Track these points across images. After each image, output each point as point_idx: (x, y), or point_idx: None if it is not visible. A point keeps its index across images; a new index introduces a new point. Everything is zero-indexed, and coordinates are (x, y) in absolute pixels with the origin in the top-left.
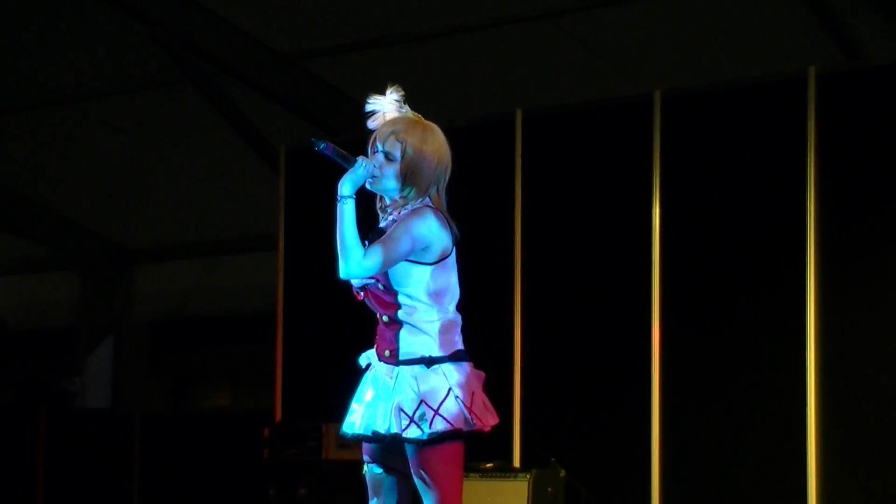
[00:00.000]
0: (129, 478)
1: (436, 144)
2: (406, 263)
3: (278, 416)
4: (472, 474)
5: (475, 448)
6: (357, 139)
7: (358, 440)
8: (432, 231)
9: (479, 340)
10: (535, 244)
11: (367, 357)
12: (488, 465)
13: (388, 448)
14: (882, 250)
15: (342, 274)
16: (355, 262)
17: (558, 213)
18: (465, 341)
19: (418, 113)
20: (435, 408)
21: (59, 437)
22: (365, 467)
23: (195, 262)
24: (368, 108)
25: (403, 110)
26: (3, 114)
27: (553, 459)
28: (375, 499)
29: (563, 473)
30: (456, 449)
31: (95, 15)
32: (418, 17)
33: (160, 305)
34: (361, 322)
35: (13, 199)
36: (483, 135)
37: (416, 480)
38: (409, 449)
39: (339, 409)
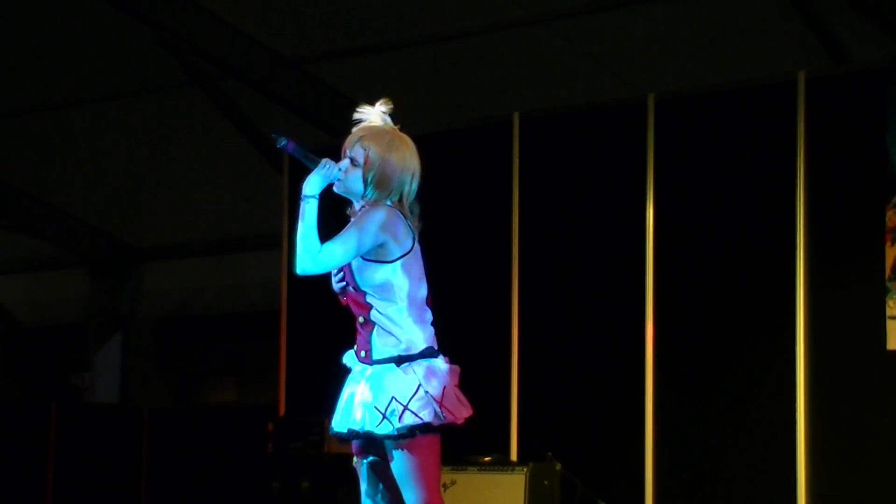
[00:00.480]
0: (136, 470)
1: (401, 153)
2: (369, 264)
3: (282, 410)
4: (470, 468)
5: (473, 442)
6: None
7: (341, 438)
8: (385, 226)
9: (477, 338)
10: (531, 243)
11: (348, 357)
12: (486, 458)
13: (371, 442)
14: (869, 249)
15: (297, 269)
16: (309, 257)
17: (554, 213)
18: (463, 339)
19: (399, 124)
20: (404, 403)
21: (69, 430)
22: (354, 460)
23: (201, 261)
24: (356, 116)
25: (385, 121)
26: (14, 116)
27: (549, 453)
28: (366, 488)
29: (559, 467)
30: (430, 442)
31: (103, 19)
32: (419, 21)
33: (167, 303)
34: None
35: (25, 200)
36: (481, 137)
37: (395, 474)
38: (385, 444)
39: None
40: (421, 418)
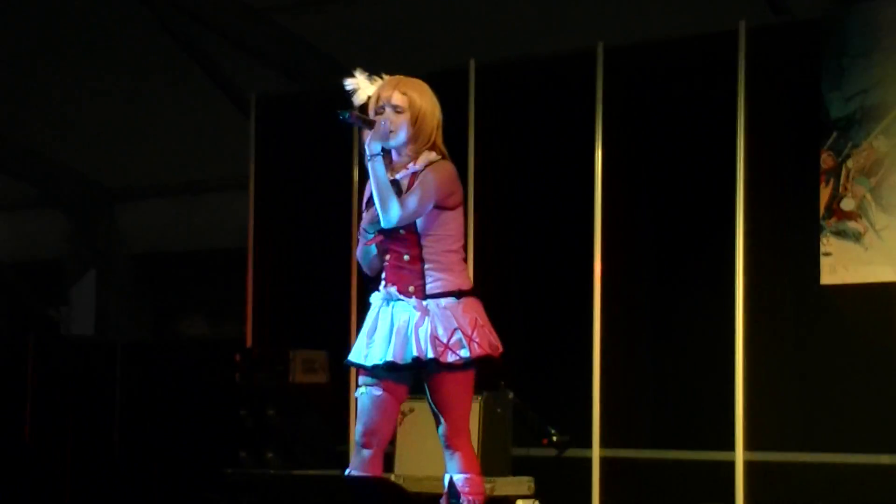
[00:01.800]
0: (111, 400)
1: (429, 95)
2: (433, 209)
3: (249, 342)
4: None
5: None
6: (323, 88)
7: (375, 369)
8: (454, 177)
9: None
10: (486, 187)
11: (381, 295)
12: None
13: (395, 374)
14: (805, 190)
15: (385, 223)
16: (395, 210)
17: (509, 155)
18: None
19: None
20: (470, 335)
21: (47, 361)
22: (362, 389)
23: (173, 201)
24: (349, 87)
25: (377, 80)
26: None
27: (502, 383)
28: (367, 419)
29: (511, 396)
30: (473, 375)
31: None
32: None
33: (141, 241)
34: (324, 257)
35: (2, 143)
36: (439, 84)
37: (437, 401)
38: (434, 373)
39: (305, 336)
40: (483, 349)
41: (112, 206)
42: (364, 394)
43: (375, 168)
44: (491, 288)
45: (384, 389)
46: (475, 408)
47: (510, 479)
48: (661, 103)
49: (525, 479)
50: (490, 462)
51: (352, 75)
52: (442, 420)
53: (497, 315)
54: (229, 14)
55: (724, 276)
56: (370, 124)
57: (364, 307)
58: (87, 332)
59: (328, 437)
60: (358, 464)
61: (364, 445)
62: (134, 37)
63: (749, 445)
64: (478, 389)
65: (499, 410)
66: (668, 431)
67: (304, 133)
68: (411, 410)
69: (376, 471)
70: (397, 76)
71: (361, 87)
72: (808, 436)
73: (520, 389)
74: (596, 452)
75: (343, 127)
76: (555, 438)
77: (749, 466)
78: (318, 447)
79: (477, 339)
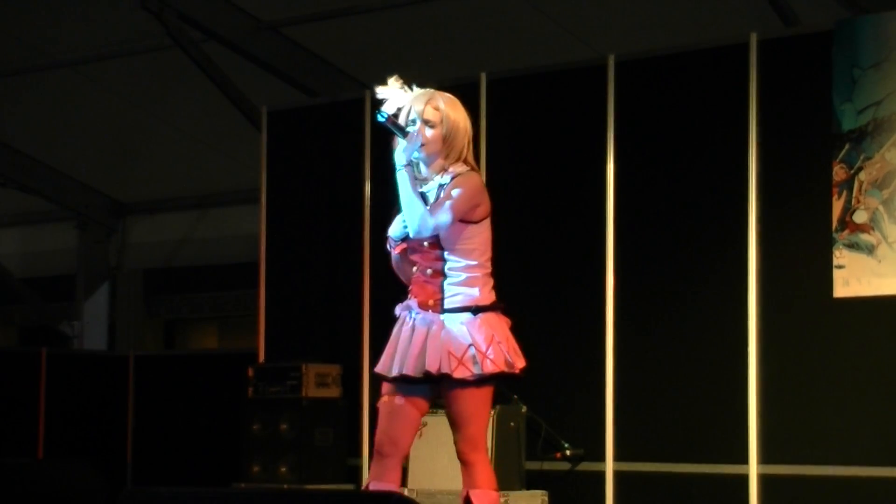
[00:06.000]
0: (123, 414)
1: (461, 110)
2: (458, 223)
3: (261, 356)
4: (440, 411)
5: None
6: (334, 102)
7: (395, 380)
8: (481, 189)
9: None
10: (497, 201)
11: (403, 307)
12: None
13: (416, 386)
14: (817, 203)
15: (413, 233)
16: (423, 221)
17: (520, 168)
18: None
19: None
20: (484, 351)
21: (59, 376)
22: (385, 399)
23: (185, 215)
24: (379, 95)
25: (409, 90)
26: (6, 77)
27: (515, 396)
28: (385, 427)
29: (524, 409)
30: (491, 390)
31: None
32: None
33: (152, 254)
34: (336, 270)
35: (17, 157)
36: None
37: (452, 416)
38: (448, 389)
39: (317, 350)
40: (498, 366)
41: (124, 221)
42: (386, 403)
43: (403, 179)
44: (503, 301)
45: (406, 400)
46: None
47: (524, 492)
48: (673, 115)
49: (539, 492)
50: (503, 476)
51: (384, 83)
52: (460, 432)
53: (512, 329)
54: (240, 28)
55: (736, 290)
56: (404, 133)
57: (377, 320)
58: (100, 346)
59: (341, 452)
60: (378, 472)
61: (384, 454)
62: (145, 51)
63: (763, 459)
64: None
65: (512, 424)
66: (682, 445)
67: (315, 146)
68: (425, 425)
69: (396, 479)
70: (430, 89)
71: (393, 96)
72: (821, 449)
73: (533, 403)
74: (609, 466)
75: (357, 138)
76: (568, 452)
77: (763, 480)
78: (331, 461)
79: (491, 356)
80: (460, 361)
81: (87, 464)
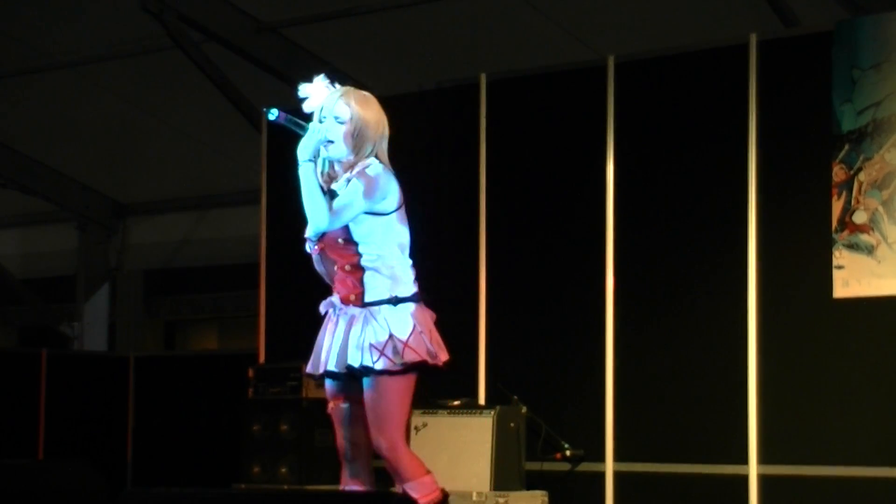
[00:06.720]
0: (123, 414)
1: (374, 108)
2: (368, 216)
3: (262, 357)
4: (440, 411)
5: (444, 387)
6: None
7: (323, 378)
8: (385, 181)
9: (445, 285)
10: (498, 200)
11: (327, 304)
12: (456, 402)
13: (351, 382)
14: (817, 203)
15: (312, 231)
16: (320, 217)
17: (520, 169)
18: (431, 285)
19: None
20: (404, 341)
21: (59, 377)
22: (331, 405)
23: (185, 215)
24: (301, 94)
25: (335, 88)
26: (6, 78)
27: (515, 397)
28: (345, 432)
29: (524, 410)
30: (412, 382)
31: None
32: None
33: (153, 255)
34: None
35: (17, 158)
36: (450, 98)
37: (369, 410)
38: (369, 380)
39: None
40: (419, 355)
41: (124, 221)
42: (333, 409)
43: (304, 175)
44: (503, 302)
45: (349, 400)
46: (488, 422)
47: (523, 493)
48: (672, 116)
49: (538, 493)
50: (503, 476)
51: (310, 81)
52: (378, 430)
53: (509, 329)
54: (240, 29)
55: (736, 290)
56: (300, 128)
57: None
58: (100, 347)
59: None
60: (352, 473)
61: (351, 458)
62: (145, 52)
63: (762, 459)
64: (490, 404)
65: (512, 425)
66: (682, 445)
67: None
68: (424, 425)
69: (369, 479)
70: (347, 87)
71: (315, 93)
72: (821, 449)
73: (533, 404)
74: (609, 466)
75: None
76: (568, 453)
77: (763, 480)
78: (331, 462)
79: (413, 345)
80: (381, 352)
81: (87, 464)
